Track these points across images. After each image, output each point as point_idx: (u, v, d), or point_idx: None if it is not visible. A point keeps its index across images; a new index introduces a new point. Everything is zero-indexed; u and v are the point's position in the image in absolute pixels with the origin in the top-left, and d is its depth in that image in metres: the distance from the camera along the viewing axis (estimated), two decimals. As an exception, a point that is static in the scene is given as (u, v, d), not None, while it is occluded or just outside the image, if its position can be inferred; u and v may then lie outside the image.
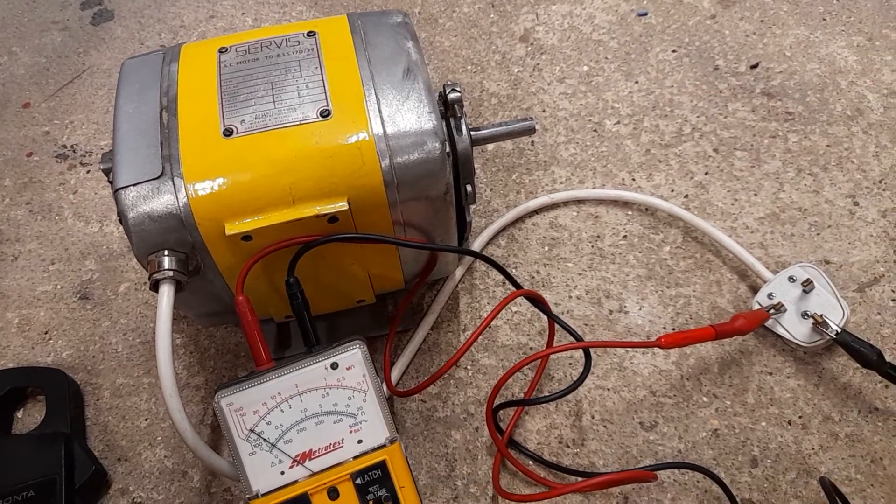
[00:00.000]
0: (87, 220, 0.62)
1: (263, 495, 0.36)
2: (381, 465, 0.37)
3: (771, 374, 0.50)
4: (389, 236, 0.42)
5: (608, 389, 0.50)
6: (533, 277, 0.56)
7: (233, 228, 0.38)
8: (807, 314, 0.49)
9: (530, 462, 0.48)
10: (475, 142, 0.46)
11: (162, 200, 0.38)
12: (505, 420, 0.49)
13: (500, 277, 0.55)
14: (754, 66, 0.66)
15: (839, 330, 0.47)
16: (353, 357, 0.38)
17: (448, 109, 0.44)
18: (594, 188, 0.60)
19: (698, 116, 0.63)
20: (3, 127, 0.70)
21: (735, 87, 0.65)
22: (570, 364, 0.51)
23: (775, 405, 0.48)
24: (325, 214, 0.39)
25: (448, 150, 0.41)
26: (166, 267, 0.38)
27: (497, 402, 0.45)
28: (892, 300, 0.52)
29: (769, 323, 0.50)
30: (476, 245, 0.57)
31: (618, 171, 0.61)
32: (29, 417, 0.52)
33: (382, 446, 0.37)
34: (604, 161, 0.61)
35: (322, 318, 0.51)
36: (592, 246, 0.57)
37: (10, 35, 0.78)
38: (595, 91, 0.66)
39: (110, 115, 0.63)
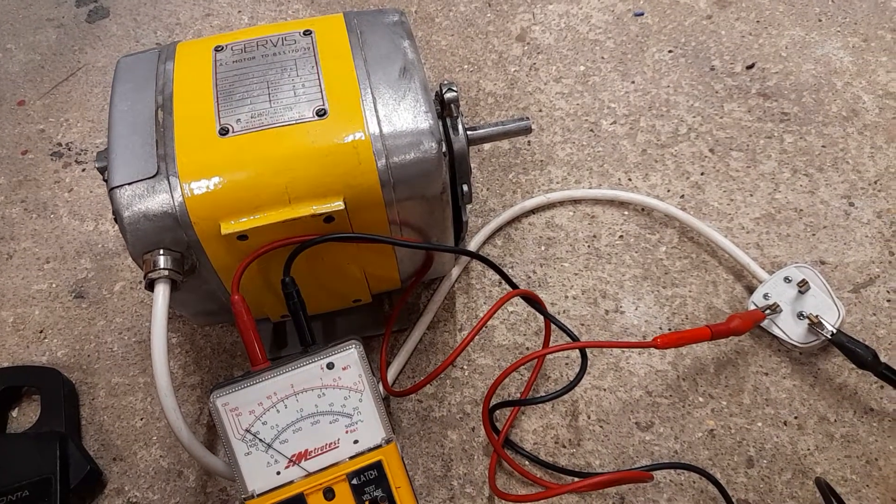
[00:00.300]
0: (82, 219, 0.62)
1: (259, 495, 0.36)
2: (377, 466, 0.37)
3: (767, 374, 0.50)
4: (385, 236, 0.42)
5: (604, 390, 0.50)
6: (529, 277, 0.56)
7: (228, 228, 0.38)
8: (802, 315, 0.49)
9: (526, 462, 0.48)
10: (471, 141, 0.46)
11: (157, 199, 0.38)
12: (501, 420, 0.49)
13: (497, 277, 0.55)
14: (750, 67, 0.66)
15: (834, 330, 0.47)
16: (349, 357, 0.38)
17: (444, 109, 0.44)
18: (590, 188, 0.60)
19: (694, 117, 0.63)
20: (-2, 125, 0.70)
21: (731, 88, 0.65)
22: (567, 364, 0.51)
23: (771, 405, 0.48)
24: (321, 214, 0.39)
25: (444, 149, 0.41)
26: (161, 266, 0.38)
27: (493, 402, 0.45)
28: (888, 301, 0.52)
29: (765, 323, 0.50)
30: (472, 245, 0.57)
31: (614, 171, 0.61)
32: (24, 417, 0.52)
33: (378, 446, 0.37)
34: (600, 161, 0.61)
35: (318, 317, 0.51)
36: (589, 246, 0.57)
37: (4, 32, 0.77)
38: (591, 91, 0.66)
39: (105, 113, 0.63)
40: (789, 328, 0.50)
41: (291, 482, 0.36)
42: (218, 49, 0.43)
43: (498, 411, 0.49)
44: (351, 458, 0.37)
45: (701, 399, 0.49)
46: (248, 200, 0.38)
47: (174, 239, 0.38)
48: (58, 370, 0.52)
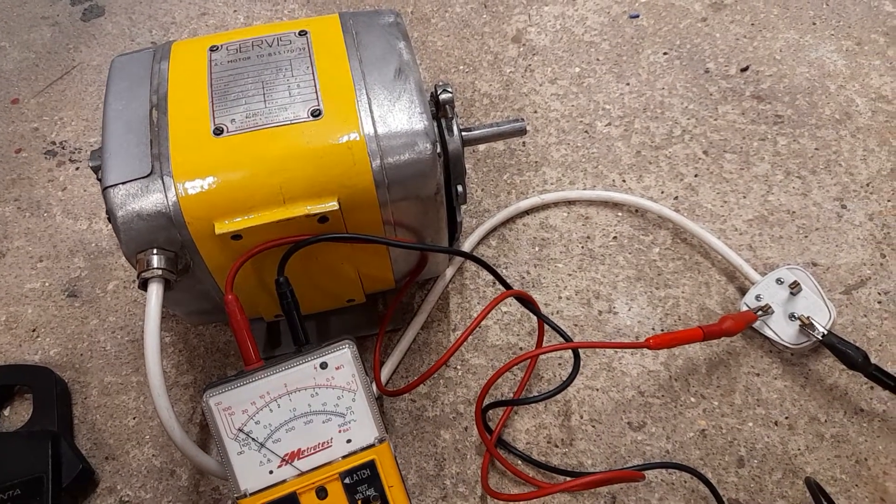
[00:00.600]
0: (75, 218, 0.62)
1: (251, 494, 0.36)
2: (370, 465, 0.37)
3: (758, 375, 0.50)
4: (380, 236, 0.42)
5: (597, 390, 0.50)
6: (523, 278, 0.56)
7: (222, 227, 0.38)
8: (794, 316, 0.50)
9: (519, 462, 0.48)
10: (466, 142, 0.46)
11: (151, 199, 0.38)
12: (494, 420, 0.49)
13: (491, 277, 0.56)
14: (744, 70, 0.67)
15: (825, 332, 0.48)
16: (342, 356, 0.38)
17: (439, 110, 0.44)
18: (585, 189, 0.60)
19: (689, 119, 0.64)
20: (-8, 123, 0.69)
21: (725, 90, 0.65)
22: (560, 364, 0.52)
23: (762, 406, 0.49)
24: (316, 214, 0.39)
25: (439, 150, 0.41)
26: (155, 265, 0.38)
27: (486, 401, 0.45)
28: (878, 302, 0.52)
29: (757, 324, 0.50)
30: (467, 245, 0.57)
31: (608, 173, 0.61)
32: (16, 415, 0.52)
33: (371, 446, 0.37)
34: (594, 162, 0.62)
35: (312, 317, 0.51)
36: (582, 247, 0.57)
37: (-1, 30, 0.77)
38: (586, 92, 0.66)
39: (100, 112, 0.63)
40: (781, 329, 0.50)
41: (284, 481, 0.36)
42: (213, 49, 0.43)
43: (491, 411, 0.49)
44: (344, 457, 0.37)
45: (693, 399, 0.49)
46: (242, 200, 0.38)
47: (168, 238, 0.38)
48: (50, 369, 0.52)
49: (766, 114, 0.63)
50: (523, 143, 0.64)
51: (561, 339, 0.48)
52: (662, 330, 0.53)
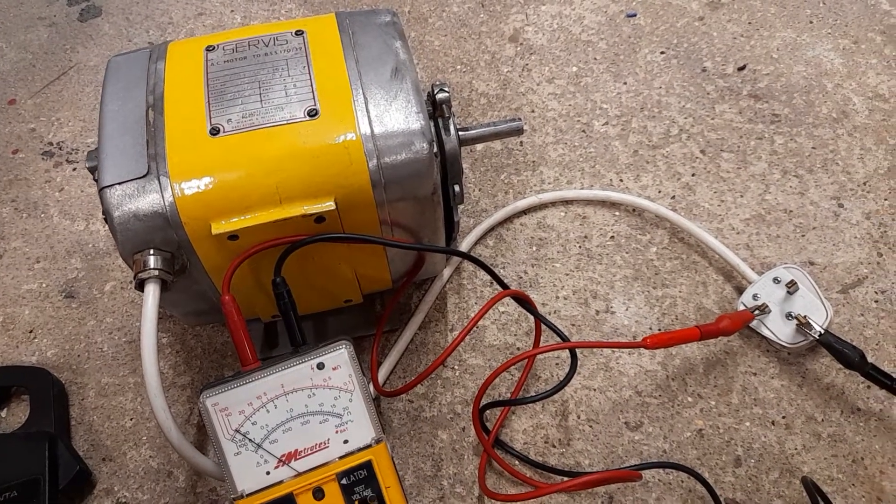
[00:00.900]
0: (72, 219, 0.62)
1: (248, 495, 0.36)
2: (367, 466, 0.37)
3: (755, 374, 0.50)
4: (377, 236, 0.42)
5: (594, 389, 0.50)
6: (521, 277, 0.56)
7: (219, 228, 0.38)
8: (791, 315, 0.50)
9: (516, 462, 0.48)
10: (463, 142, 0.46)
11: (147, 199, 0.38)
12: (491, 420, 0.49)
13: (488, 277, 0.56)
14: (741, 68, 0.67)
15: (822, 331, 0.48)
16: (339, 357, 0.38)
17: (436, 109, 0.44)
18: (582, 189, 0.60)
19: (686, 118, 0.64)
20: (-12, 123, 0.69)
21: (722, 89, 0.65)
22: (557, 364, 0.52)
23: (759, 405, 0.49)
24: (312, 214, 0.39)
25: (436, 150, 0.41)
26: (152, 266, 0.38)
27: (484, 401, 0.45)
28: (875, 302, 0.52)
29: (754, 324, 0.50)
30: (464, 245, 0.57)
31: (606, 172, 0.61)
32: (13, 417, 0.52)
33: (368, 446, 0.37)
34: (592, 162, 0.62)
35: (309, 317, 0.51)
36: (580, 246, 0.57)
37: (-5, 30, 0.77)
38: (584, 92, 0.66)
39: (97, 113, 0.63)
40: (778, 328, 0.50)
41: (281, 482, 0.36)
42: (209, 49, 0.43)
43: (488, 411, 0.49)
44: (341, 457, 0.37)
45: (690, 399, 0.49)
46: (238, 200, 0.38)
47: (164, 239, 0.38)
48: (47, 370, 0.52)
49: (763, 113, 0.63)
50: (520, 142, 0.64)
51: (558, 339, 0.48)
52: (660, 329, 0.53)
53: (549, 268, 0.56)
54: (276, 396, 0.37)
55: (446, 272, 0.56)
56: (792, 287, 0.50)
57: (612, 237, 0.57)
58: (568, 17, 0.72)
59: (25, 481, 0.45)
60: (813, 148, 0.61)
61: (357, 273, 0.46)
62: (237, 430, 0.36)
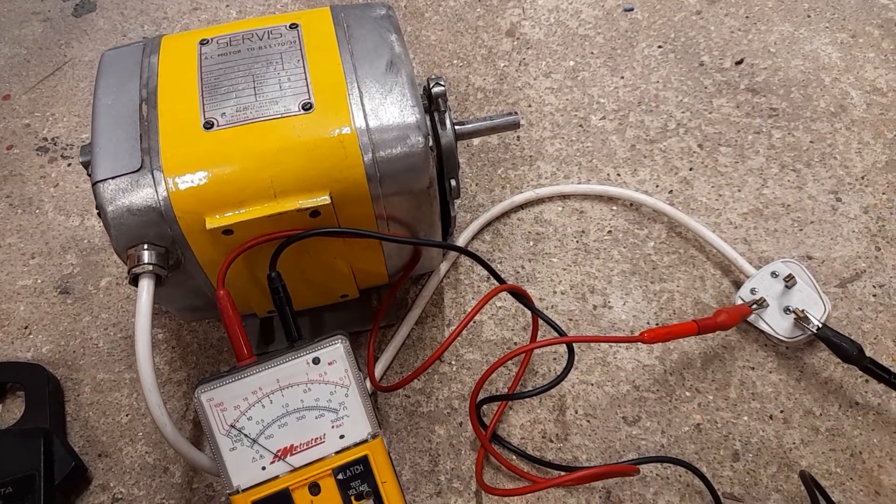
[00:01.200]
0: (67, 214, 0.61)
1: (244, 491, 0.36)
2: (363, 461, 0.37)
3: (753, 368, 0.50)
4: (372, 231, 0.42)
5: (592, 384, 0.50)
6: (518, 272, 0.56)
7: (213, 222, 0.38)
8: (789, 309, 0.50)
9: (514, 457, 0.48)
10: (459, 136, 0.46)
11: (141, 194, 0.37)
12: (489, 415, 0.49)
13: (485, 272, 0.55)
14: (739, 62, 0.66)
15: (820, 325, 0.48)
16: (335, 352, 0.37)
17: (432, 103, 0.44)
18: (579, 183, 0.60)
19: (683, 112, 0.64)
20: (-17, 119, 0.69)
21: (720, 83, 0.65)
22: (554, 359, 0.51)
23: (757, 400, 0.49)
24: (307, 208, 0.38)
25: (431, 144, 0.41)
26: (146, 261, 0.38)
27: (481, 396, 0.45)
28: (873, 296, 0.52)
29: (752, 318, 0.50)
30: (461, 240, 0.56)
31: (603, 167, 0.61)
32: (8, 413, 0.51)
33: (364, 441, 0.37)
34: (589, 156, 0.61)
35: (305, 313, 0.51)
36: (577, 241, 0.57)
37: (-11, 26, 0.77)
38: (581, 86, 0.66)
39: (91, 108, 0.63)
40: (776, 323, 0.50)
41: (277, 477, 0.36)
42: (203, 42, 0.42)
43: (485, 406, 0.49)
44: (337, 452, 0.37)
45: (688, 393, 0.49)
46: (233, 195, 0.38)
47: (158, 233, 0.38)
48: (42, 366, 0.52)
49: (761, 107, 0.63)
50: (517, 137, 0.63)
51: (555, 334, 0.48)
52: (657, 324, 0.53)
53: (547, 262, 0.56)
54: (272, 391, 0.37)
55: (443, 267, 0.55)
56: (790, 281, 0.50)
57: (610, 232, 0.57)
58: (565, 12, 0.72)
59: (21, 477, 0.45)
60: (811, 142, 0.61)
61: (353, 268, 0.45)
62: (233, 426, 0.36)
